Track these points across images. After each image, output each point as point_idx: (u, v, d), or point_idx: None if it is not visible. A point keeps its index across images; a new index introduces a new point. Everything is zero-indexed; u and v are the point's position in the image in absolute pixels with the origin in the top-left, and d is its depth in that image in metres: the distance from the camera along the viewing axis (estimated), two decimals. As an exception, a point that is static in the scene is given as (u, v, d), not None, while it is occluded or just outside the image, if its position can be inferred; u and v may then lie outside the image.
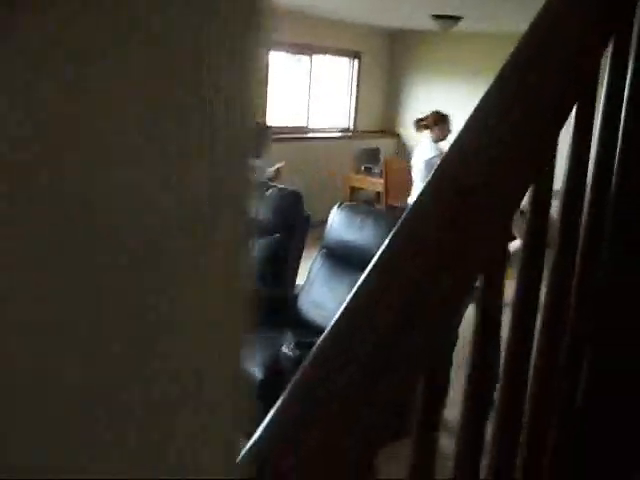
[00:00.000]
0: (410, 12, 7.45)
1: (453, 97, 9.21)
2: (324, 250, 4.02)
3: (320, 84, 8.75)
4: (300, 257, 4.44)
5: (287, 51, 8.08)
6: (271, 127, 5.79)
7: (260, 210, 4.36)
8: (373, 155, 8.42)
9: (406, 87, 9.69)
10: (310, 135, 8.53)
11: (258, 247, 4.29)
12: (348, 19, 8.43)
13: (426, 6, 6.87)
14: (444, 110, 5.42)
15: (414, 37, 9.38)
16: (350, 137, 9.12)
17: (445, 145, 5.90)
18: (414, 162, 5.27)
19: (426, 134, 5.34)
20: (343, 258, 3.86)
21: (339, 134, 9.07)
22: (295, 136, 8.24)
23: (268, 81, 7.85)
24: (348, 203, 4.30)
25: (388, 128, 9.83)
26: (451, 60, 9.11)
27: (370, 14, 7.96)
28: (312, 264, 4.05)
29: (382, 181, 7.35)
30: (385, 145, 9.26)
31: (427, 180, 0.83)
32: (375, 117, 9.74)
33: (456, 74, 9.09)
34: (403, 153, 9.41)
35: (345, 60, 9.08)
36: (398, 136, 9.75)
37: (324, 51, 8.61)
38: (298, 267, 4.44)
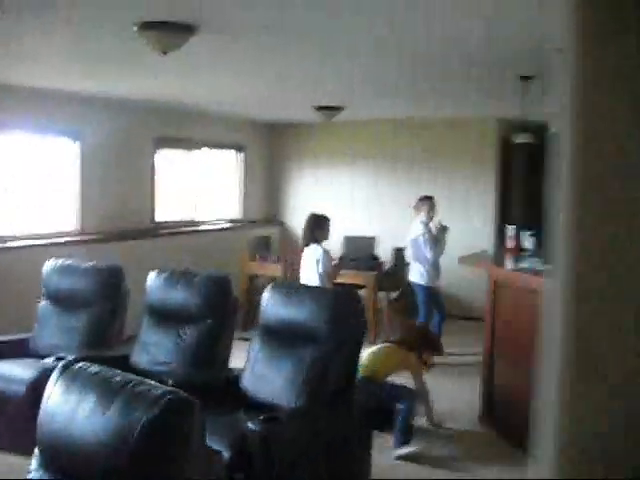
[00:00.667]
0: (294, 106, 7.94)
1: (334, 182, 9.75)
2: (261, 330, 4.14)
3: (209, 177, 9.00)
4: (232, 340, 4.53)
5: (176, 147, 8.30)
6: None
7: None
8: (265, 243, 8.66)
9: (286, 177, 10.14)
10: (200, 228, 8.67)
11: (190, 333, 4.35)
12: (232, 114, 8.82)
13: (310, 99, 7.37)
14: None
15: (292, 129, 9.90)
16: (240, 227, 9.34)
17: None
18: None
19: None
20: (282, 335, 4.01)
21: (229, 224, 9.28)
22: (185, 230, 8.36)
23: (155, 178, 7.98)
24: (278, 283, 4.46)
25: (273, 217, 10.16)
26: (329, 148, 9.69)
27: (252, 109, 8.38)
28: (250, 345, 4.14)
29: (279, 267, 7.59)
30: (272, 233, 9.56)
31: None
32: (260, 207, 10.05)
33: (335, 160, 9.66)
34: (290, 240, 9.76)
35: (231, 153, 9.40)
36: (282, 224, 10.09)
37: (211, 145, 8.90)
38: (230, 350, 4.51)
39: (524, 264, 5.17)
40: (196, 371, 4.24)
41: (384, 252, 7.94)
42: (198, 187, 8.76)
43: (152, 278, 4.65)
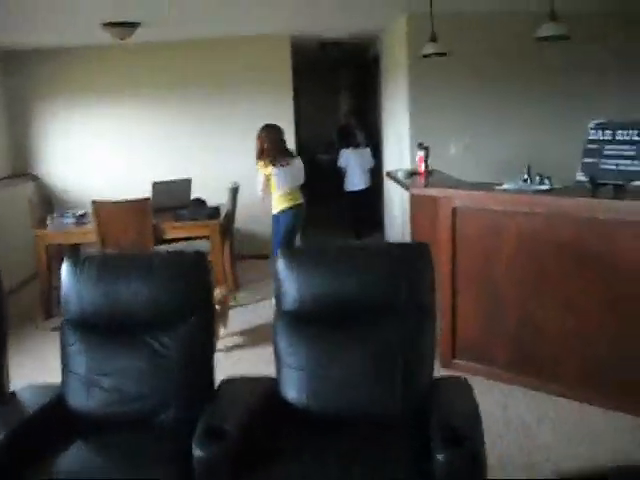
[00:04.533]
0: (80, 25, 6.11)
1: (115, 122, 8.03)
2: (285, 317, 2.88)
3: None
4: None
5: None
6: None
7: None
8: (49, 202, 6.74)
9: (40, 119, 7.98)
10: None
11: (172, 344, 2.92)
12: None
13: (97, 15, 5.72)
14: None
15: (47, 56, 7.70)
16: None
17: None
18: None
19: None
20: (327, 317, 2.83)
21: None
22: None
23: None
24: (289, 249, 3.15)
25: (21, 171, 7.98)
26: (103, 79, 7.83)
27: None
28: (276, 341, 2.87)
29: (93, 228, 5.90)
30: (25, 191, 7.47)
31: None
32: (6, 159, 7.81)
33: (112, 94, 7.86)
34: (51, 197, 7.81)
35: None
36: (37, 177, 7.99)
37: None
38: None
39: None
40: (194, 396, 2.82)
41: (204, 194, 6.64)
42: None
43: (68, 274, 2.97)
